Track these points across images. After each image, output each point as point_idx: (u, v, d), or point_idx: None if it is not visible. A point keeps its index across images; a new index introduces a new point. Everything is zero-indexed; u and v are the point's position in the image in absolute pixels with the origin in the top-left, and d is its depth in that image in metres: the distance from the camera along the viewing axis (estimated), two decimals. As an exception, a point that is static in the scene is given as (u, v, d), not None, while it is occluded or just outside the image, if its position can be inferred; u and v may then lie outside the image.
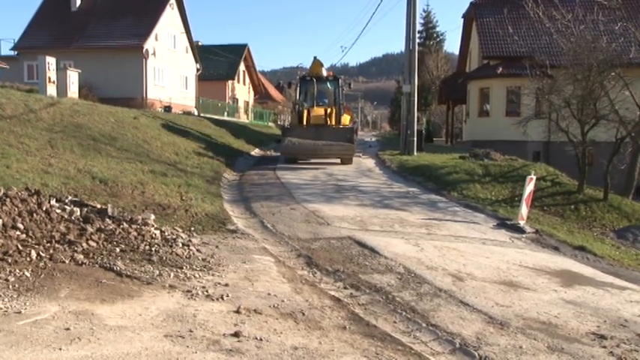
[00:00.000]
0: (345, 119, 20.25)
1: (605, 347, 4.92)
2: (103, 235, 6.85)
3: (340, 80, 21.38)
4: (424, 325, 5.18)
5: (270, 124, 50.37)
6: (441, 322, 5.27)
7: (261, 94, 61.03)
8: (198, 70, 42.16)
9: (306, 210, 10.80)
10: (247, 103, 55.60)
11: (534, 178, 11.46)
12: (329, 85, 21.16)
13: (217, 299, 5.27)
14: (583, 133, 15.08)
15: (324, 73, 21.41)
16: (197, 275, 5.96)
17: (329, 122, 19.38)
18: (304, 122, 19.34)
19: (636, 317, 5.76)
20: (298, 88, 21.06)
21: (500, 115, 26.87)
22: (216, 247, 7.39)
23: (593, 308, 5.95)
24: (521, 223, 10.61)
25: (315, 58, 21.96)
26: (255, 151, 24.53)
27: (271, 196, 12.48)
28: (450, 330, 5.09)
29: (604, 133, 15.26)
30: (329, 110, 19.68)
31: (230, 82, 50.65)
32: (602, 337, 5.13)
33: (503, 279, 6.87)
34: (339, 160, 18.90)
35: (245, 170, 17.64)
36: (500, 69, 26.79)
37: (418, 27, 36.33)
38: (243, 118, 47.26)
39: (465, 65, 36.72)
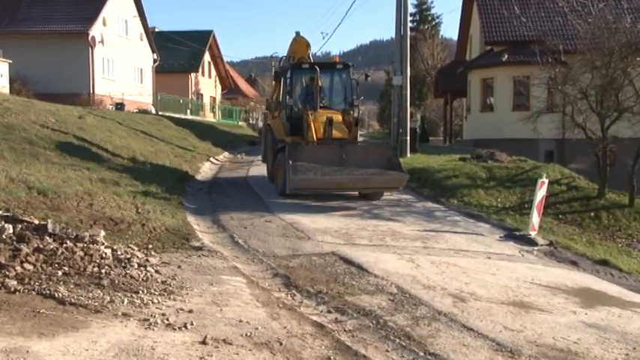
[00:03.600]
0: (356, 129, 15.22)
1: (632, 377, 4.95)
2: (41, 257, 6.73)
3: (351, 70, 15.75)
4: (421, 354, 5.18)
5: (241, 123, 50.45)
6: (440, 350, 5.27)
7: (229, 89, 61.01)
8: (155, 61, 42.05)
9: (283, 222, 10.79)
10: (214, 99, 55.63)
11: (547, 181, 11.55)
12: (337, 78, 15.89)
13: (180, 328, 5.21)
14: (603, 129, 15.20)
15: (311, 57, 16.87)
16: (156, 301, 5.89)
17: (352, 135, 14.44)
18: (315, 136, 13.85)
19: (669, 342, 5.79)
20: (288, 81, 15.53)
21: (506, 110, 27.10)
22: (179, 267, 7.34)
23: (620, 333, 5.98)
24: (533, 233, 10.68)
25: (297, 34, 16.86)
26: (224, 155, 24.50)
27: (242, 206, 12.45)
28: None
29: (628, 129, 15.36)
30: (343, 117, 14.61)
31: (193, 74, 50.50)
32: (630, 365, 5.16)
33: (513, 299, 6.90)
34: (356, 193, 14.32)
35: (211, 178, 17.55)
36: (506, 56, 27.03)
37: (411, 9, 36.76)
38: (209, 117, 47.32)
39: (464, 53, 37.05)
